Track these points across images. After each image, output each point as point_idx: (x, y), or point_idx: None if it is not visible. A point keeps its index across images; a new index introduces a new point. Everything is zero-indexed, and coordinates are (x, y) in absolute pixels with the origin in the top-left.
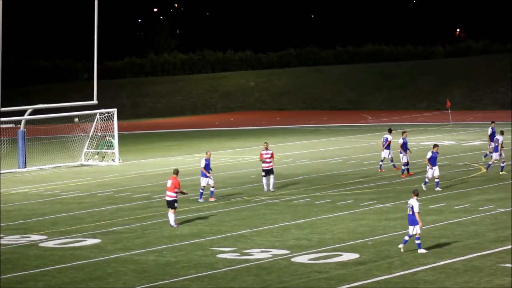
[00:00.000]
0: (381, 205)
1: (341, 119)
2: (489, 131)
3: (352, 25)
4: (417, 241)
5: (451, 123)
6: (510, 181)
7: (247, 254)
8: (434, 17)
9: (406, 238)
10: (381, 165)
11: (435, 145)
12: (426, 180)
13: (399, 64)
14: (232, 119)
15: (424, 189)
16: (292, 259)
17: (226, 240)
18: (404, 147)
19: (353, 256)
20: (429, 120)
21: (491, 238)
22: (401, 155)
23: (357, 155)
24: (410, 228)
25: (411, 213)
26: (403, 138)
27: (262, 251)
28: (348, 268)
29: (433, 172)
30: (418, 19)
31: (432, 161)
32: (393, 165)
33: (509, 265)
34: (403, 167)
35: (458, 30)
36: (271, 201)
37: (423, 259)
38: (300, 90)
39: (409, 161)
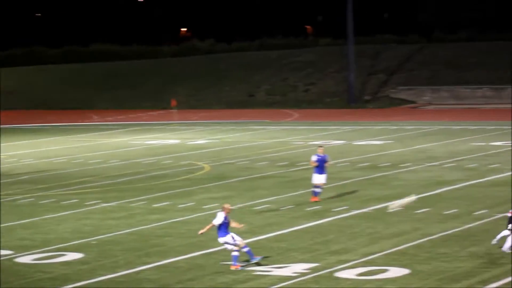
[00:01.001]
0: (105, 204)
1: (68, 118)
2: None
3: (79, 24)
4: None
5: (176, 122)
6: (234, 180)
7: None
8: (160, 16)
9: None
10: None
11: (320, 146)
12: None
13: (126, 63)
14: None
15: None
16: (16, 260)
17: None
18: None
19: (78, 255)
20: (154, 119)
21: (214, 236)
22: None
23: (82, 155)
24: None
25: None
26: None
27: None
28: (72, 268)
29: (320, 178)
30: (145, 18)
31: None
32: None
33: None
34: None
35: (184, 29)
36: None
37: (147, 258)
38: (27, 89)
39: None
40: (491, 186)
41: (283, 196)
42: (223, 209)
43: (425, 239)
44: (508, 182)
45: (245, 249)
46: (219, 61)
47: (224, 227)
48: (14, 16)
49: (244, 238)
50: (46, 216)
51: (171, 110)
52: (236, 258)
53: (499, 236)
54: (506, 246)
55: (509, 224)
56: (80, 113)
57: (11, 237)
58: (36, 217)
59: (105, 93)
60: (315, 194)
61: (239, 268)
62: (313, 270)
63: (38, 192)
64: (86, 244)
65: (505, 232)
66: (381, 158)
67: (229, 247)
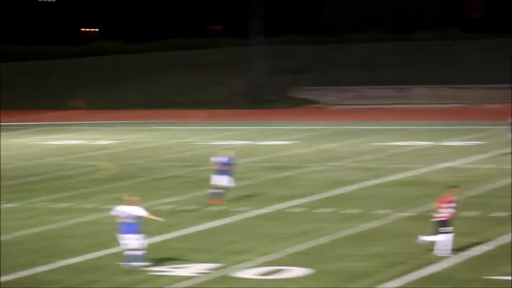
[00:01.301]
0: (9, 205)
1: None
2: None
3: None
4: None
5: (81, 122)
6: (138, 180)
7: None
8: (67, 16)
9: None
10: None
11: (226, 148)
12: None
13: (30, 63)
14: None
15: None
16: None
17: None
18: None
19: None
20: (59, 120)
21: (115, 236)
22: None
23: None
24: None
25: (131, 221)
26: None
27: None
28: None
29: (222, 180)
30: (51, 17)
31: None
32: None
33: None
34: None
35: (91, 29)
36: None
37: (50, 258)
38: None
39: None
40: (393, 186)
41: (187, 196)
42: (130, 202)
43: (328, 239)
44: (411, 182)
45: (140, 252)
46: (126, 62)
47: (137, 223)
48: None
49: (146, 238)
50: None
51: (76, 111)
52: (136, 258)
53: (427, 238)
54: (444, 248)
55: (441, 227)
56: None
57: None
58: None
59: (9, 93)
60: (218, 195)
61: (141, 268)
62: (214, 270)
63: None
64: None
65: (437, 237)
66: (285, 158)
67: (132, 245)
